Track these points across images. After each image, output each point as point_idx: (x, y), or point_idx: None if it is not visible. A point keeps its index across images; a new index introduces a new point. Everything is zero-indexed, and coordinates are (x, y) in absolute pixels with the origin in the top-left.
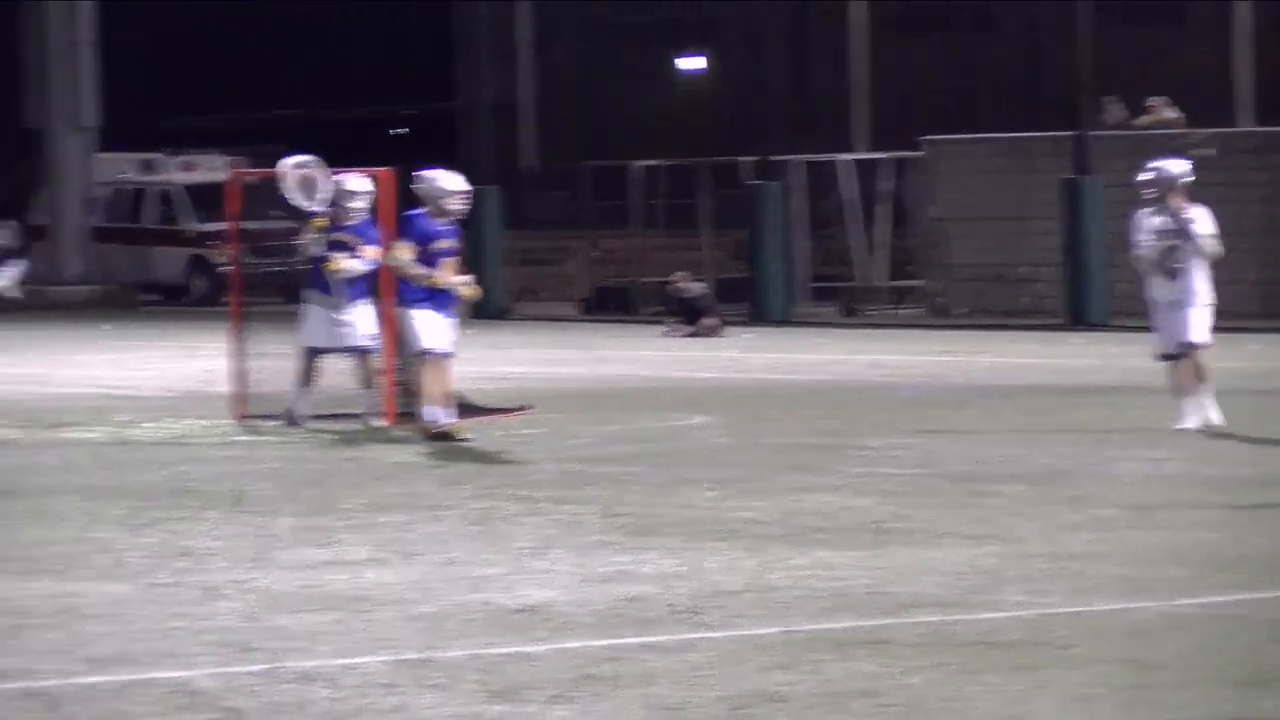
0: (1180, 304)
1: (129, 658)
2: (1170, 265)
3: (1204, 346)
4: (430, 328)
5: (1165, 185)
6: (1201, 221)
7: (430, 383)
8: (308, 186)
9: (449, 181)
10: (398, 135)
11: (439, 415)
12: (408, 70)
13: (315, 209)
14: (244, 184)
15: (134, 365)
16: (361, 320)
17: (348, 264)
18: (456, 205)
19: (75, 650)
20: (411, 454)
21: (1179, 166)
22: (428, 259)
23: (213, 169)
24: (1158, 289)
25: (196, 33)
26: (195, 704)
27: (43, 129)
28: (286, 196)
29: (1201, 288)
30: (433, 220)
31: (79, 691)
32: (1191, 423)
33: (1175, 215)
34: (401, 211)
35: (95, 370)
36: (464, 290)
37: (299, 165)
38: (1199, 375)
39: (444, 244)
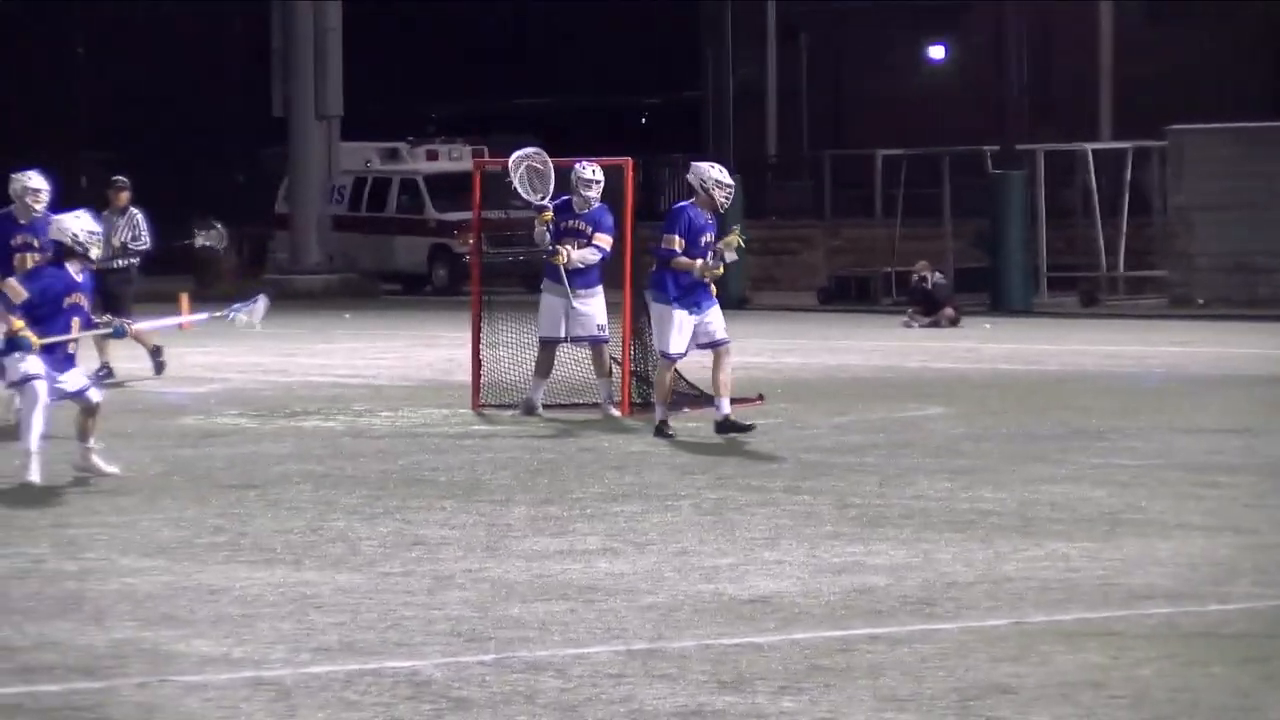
0: None
1: (359, 647)
2: None
3: None
4: (675, 330)
5: None
6: None
7: (660, 381)
8: (534, 179)
9: (718, 174)
10: (644, 123)
11: (725, 408)
12: (655, 59)
13: (542, 201)
14: (486, 173)
15: (373, 354)
16: (595, 310)
17: (578, 254)
18: (723, 197)
19: (305, 639)
20: (646, 444)
21: None
22: (693, 251)
23: (455, 158)
24: None
25: (441, 21)
26: (423, 694)
27: (288, 118)
28: (515, 189)
29: None
30: (700, 211)
31: (307, 680)
32: None
33: None
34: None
35: (334, 359)
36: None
37: (525, 158)
38: None
39: (708, 236)
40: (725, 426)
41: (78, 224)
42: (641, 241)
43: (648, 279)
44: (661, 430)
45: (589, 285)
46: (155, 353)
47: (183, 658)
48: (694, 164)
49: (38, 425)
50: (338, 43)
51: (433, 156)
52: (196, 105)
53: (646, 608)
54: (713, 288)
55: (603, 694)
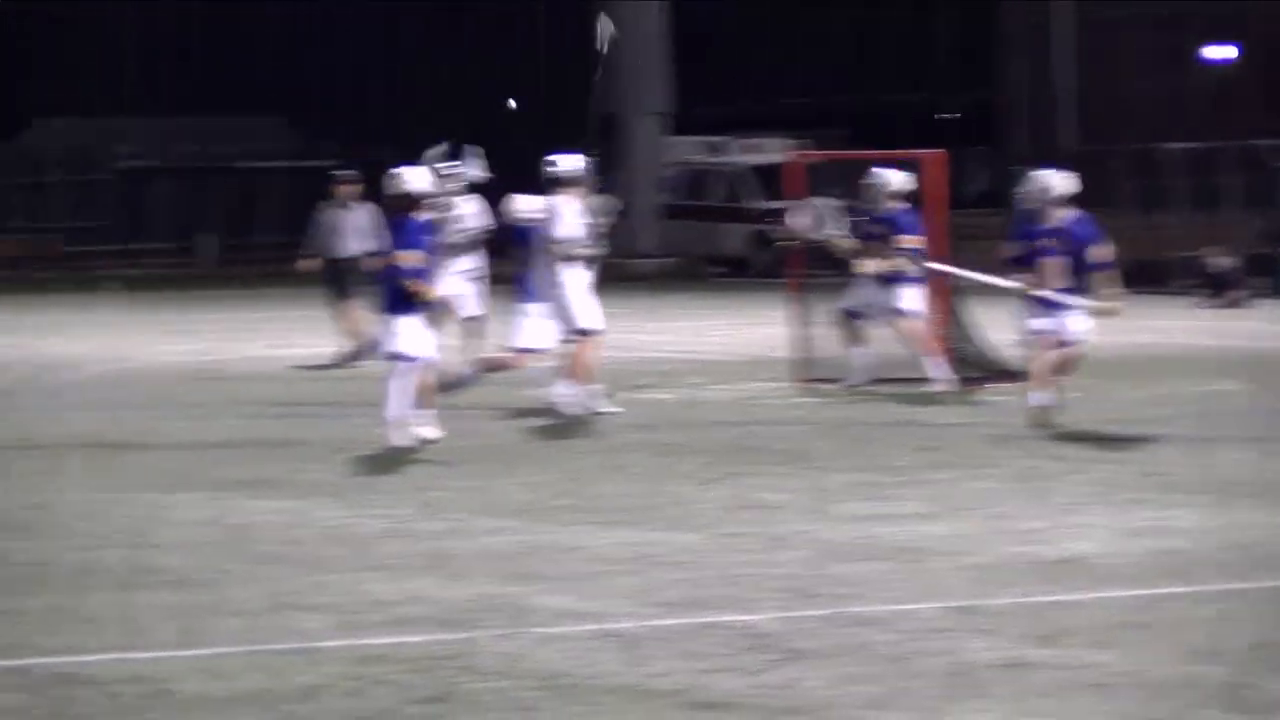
0: None
1: (699, 602)
2: None
3: None
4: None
5: None
6: None
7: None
8: (817, 221)
9: (1058, 182)
10: (944, 121)
11: (1039, 399)
12: (956, 60)
13: (828, 235)
14: (804, 165)
15: (702, 332)
16: (906, 297)
17: (875, 266)
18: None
19: (649, 595)
20: (959, 415)
21: None
22: (1029, 259)
23: (774, 151)
24: None
25: (758, 24)
26: (760, 645)
27: (617, 114)
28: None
29: None
30: (1038, 219)
31: (653, 632)
32: None
33: None
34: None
35: (666, 337)
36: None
37: (805, 211)
38: None
39: (1046, 243)
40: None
41: None
42: (956, 229)
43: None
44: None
45: (900, 283)
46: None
47: (539, 611)
48: (1032, 174)
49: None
50: (665, 44)
51: (753, 150)
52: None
53: (965, 567)
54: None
55: (926, 647)
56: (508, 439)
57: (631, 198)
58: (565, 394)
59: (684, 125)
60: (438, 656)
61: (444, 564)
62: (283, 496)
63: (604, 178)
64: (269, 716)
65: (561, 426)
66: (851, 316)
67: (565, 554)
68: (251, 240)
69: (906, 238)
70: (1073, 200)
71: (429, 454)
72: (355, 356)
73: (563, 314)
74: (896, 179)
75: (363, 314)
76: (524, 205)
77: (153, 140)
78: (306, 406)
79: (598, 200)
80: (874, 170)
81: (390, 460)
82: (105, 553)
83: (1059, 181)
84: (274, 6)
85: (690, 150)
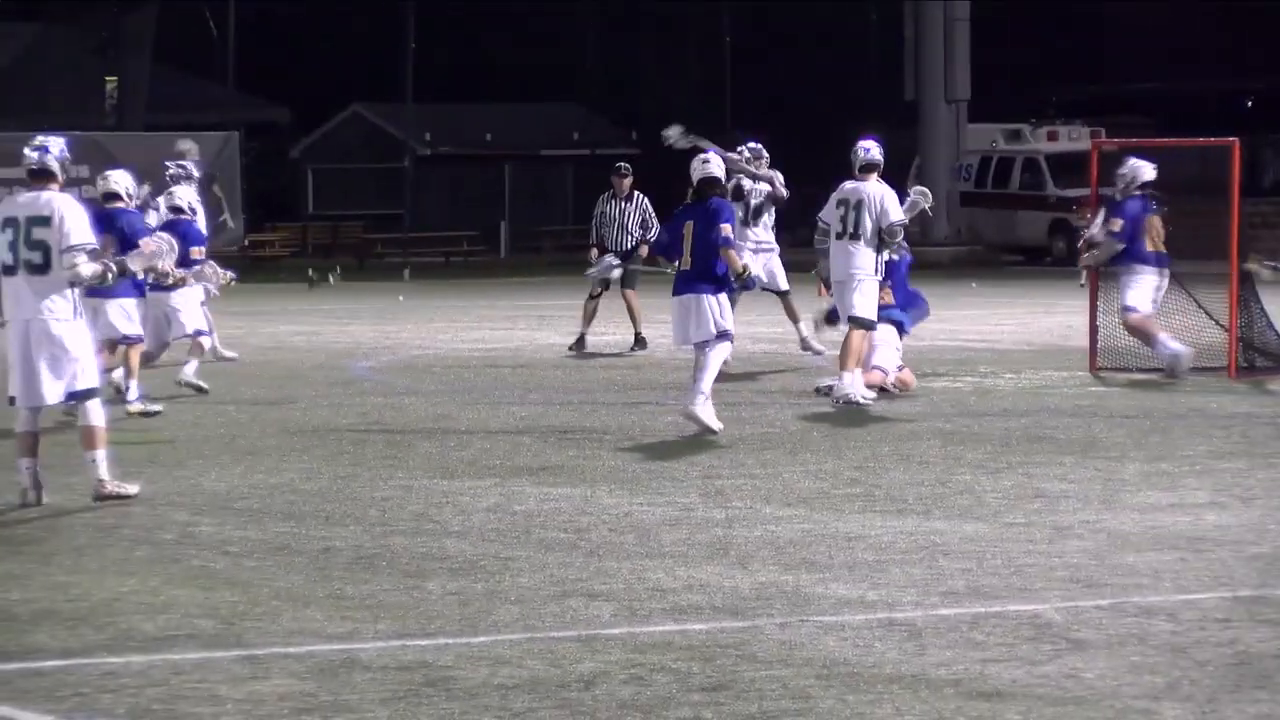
0: None
1: (983, 591)
2: None
3: None
4: None
5: None
6: None
7: None
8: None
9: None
10: (1249, 106)
11: None
12: (1263, 43)
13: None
14: (1103, 153)
15: (997, 320)
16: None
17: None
18: None
19: (934, 584)
20: (1251, 405)
21: None
22: None
23: (1074, 139)
24: None
25: (1056, 10)
26: (1043, 635)
27: (919, 102)
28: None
29: None
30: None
31: (936, 622)
32: None
33: None
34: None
35: (959, 325)
36: None
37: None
38: None
39: None
40: None
41: None
42: (1246, 217)
43: None
44: None
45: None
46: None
47: (821, 599)
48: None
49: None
50: (965, 32)
51: (1053, 137)
52: (834, 91)
53: (1252, 557)
54: None
55: (1210, 637)
56: (796, 427)
57: (931, 185)
58: (847, 384)
59: (981, 112)
60: (718, 644)
61: (728, 552)
62: (570, 484)
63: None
64: (548, 704)
65: (851, 414)
66: (1129, 311)
67: (850, 542)
68: (539, 228)
69: (1116, 221)
70: None
71: (717, 442)
72: (638, 344)
73: (861, 301)
74: (1147, 171)
75: (636, 303)
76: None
77: (447, 128)
78: (596, 394)
79: (918, 189)
80: (1131, 160)
81: (678, 448)
82: (392, 539)
83: None
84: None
85: (990, 137)
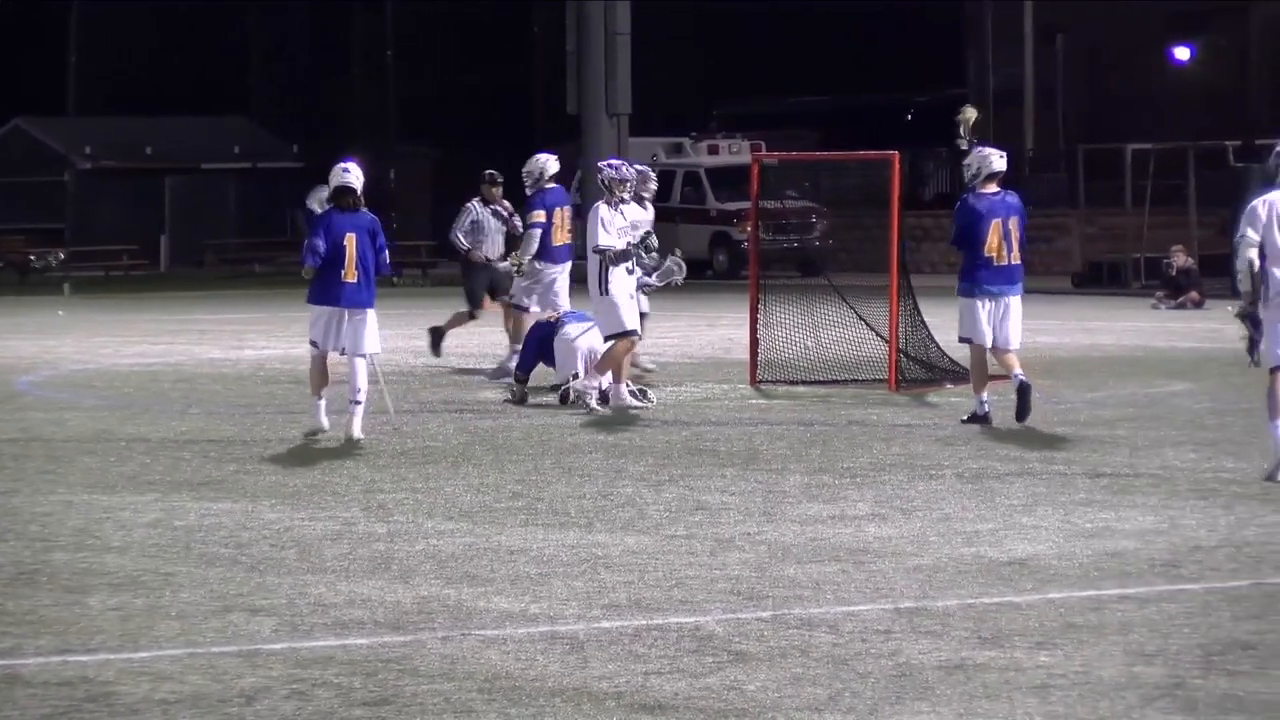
0: None
1: (645, 604)
2: None
3: None
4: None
5: None
6: None
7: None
8: None
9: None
10: (909, 120)
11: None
12: (920, 59)
13: None
14: (764, 166)
15: (658, 334)
16: None
17: None
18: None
19: (596, 597)
20: (911, 417)
21: None
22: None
23: (735, 152)
24: None
25: (719, 24)
26: (705, 648)
27: (581, 115)
28: None
29: None
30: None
31: (599, 635)
32: None
33: None
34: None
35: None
36: None
37: None
38: None
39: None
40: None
41: None
42: (908, 230)
43: None
44: None
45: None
46: None
47: (483, 613)
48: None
49: None
50: (626, 45)
51: (714, 150)
52: (501, 102)
53: (912, 569)
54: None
55: (872, 649)
56: (459, 440)
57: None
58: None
59: (645, 126)
60: (381, 659)
61: (390, 566)
62: (231, 499)
63: None
64: (210, 719)
65: (510, 428)
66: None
67: (513, 556)
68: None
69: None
70: None
71: (379, 455)
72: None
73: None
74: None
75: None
76: None
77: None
78: (257, 408)
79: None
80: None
81: (340, 462)
82: (53, 554)
83: None
84: None
85: (651, 151)
